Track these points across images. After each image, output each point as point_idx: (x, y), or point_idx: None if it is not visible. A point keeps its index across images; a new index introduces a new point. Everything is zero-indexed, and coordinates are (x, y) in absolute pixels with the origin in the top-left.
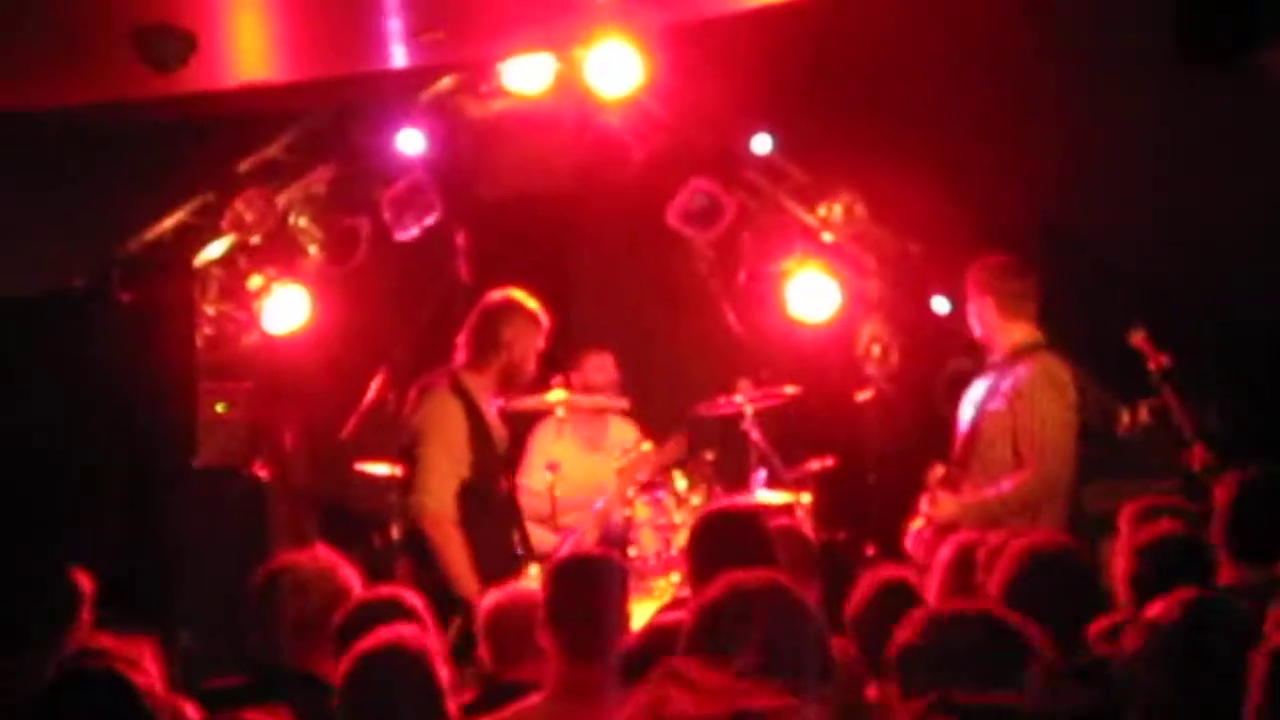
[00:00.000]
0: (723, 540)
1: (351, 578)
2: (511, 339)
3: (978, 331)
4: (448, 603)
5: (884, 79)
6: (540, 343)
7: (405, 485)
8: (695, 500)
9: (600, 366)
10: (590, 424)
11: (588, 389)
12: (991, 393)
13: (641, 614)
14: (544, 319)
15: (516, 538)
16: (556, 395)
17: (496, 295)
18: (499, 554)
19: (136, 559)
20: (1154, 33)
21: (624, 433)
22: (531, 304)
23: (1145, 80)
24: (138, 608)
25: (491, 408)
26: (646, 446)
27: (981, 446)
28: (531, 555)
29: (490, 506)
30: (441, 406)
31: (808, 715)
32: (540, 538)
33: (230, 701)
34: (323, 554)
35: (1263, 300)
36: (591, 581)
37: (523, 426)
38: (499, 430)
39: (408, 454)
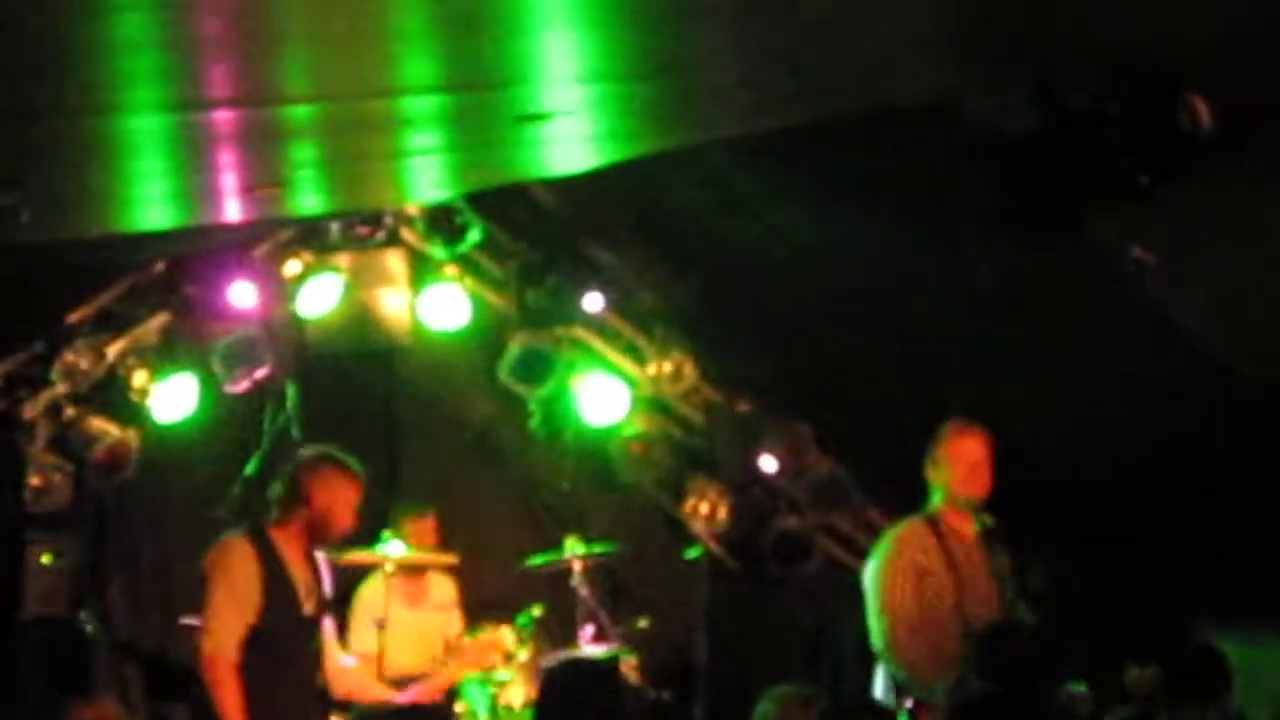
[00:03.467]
0: (577, 693)
1: None
2: (316, 493)
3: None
4: None
5: (708, 242)
6: (352, 498)
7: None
8: (522, 655)
9: (421, 531)
10: (414, 580)
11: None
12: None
13: None
14: (355, 475)
15: (312, 690)
16: (383, 549)
17: (308, 450)
18: (294, 704)
19: None
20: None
21: (444, 590)
22: (343, 460)
23: (970, 241)
24: None
25: (310, 561)
26: (478, 634)
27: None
28: (329, 707)
29: (286, 657)
30: (229, 553)
31: None
32: (372, 693)
33: None
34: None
35: (1091, 460)
36: None
37: (345, 582)
38: (308, 584)
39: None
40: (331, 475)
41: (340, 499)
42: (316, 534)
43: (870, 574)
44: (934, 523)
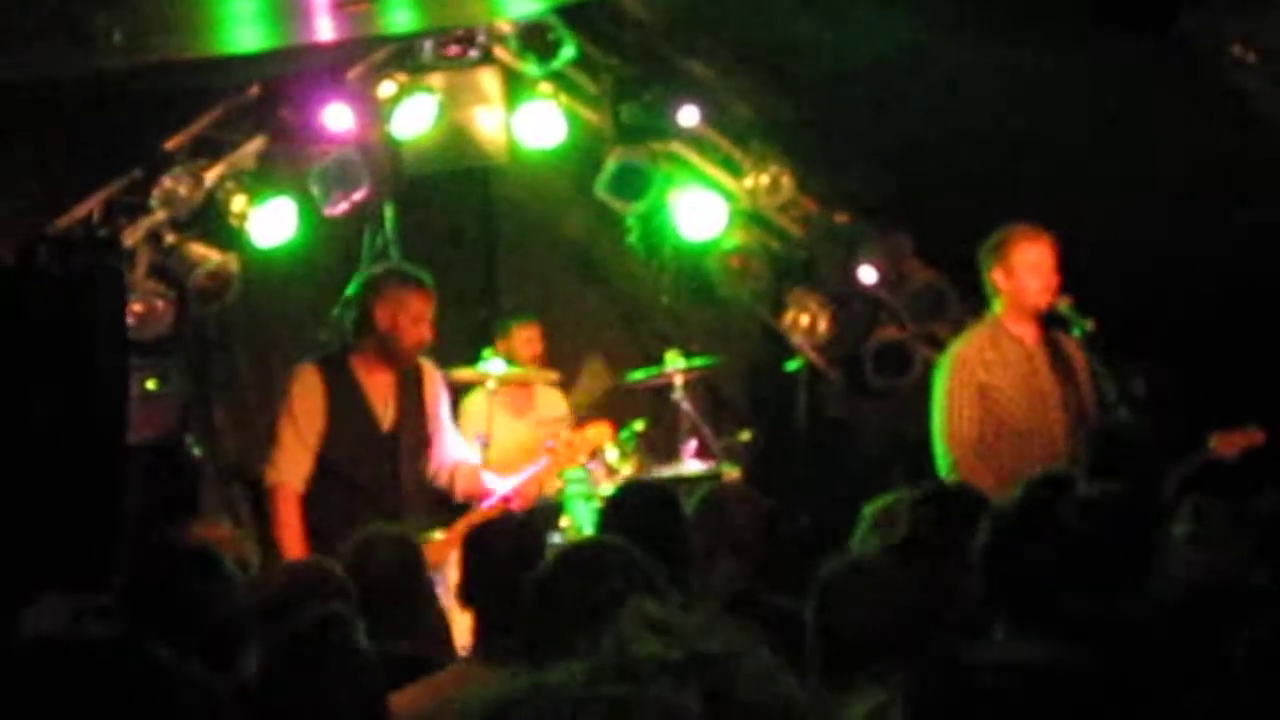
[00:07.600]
0: (635, 514)
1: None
2: (380, 311)
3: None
4: None
5: (805, 52)
6: (418, 310)
7: None
8: (625, 471)
9: (528, 339)
10: (517, 392)
11: (514, 360)
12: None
13: None
14: (419, 286)
15: (395, 505)
16: (484, 367)
17: (374, 269)
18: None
19: (74, 534)
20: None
21: (552, 403)
22: (406, 273)
23: (1064, 44)
24: (78, 583)
25: (401, 378)
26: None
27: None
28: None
29: (361, 478)
30: (295, 383)
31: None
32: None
33: None
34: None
35: (1186, 266)
36: (509, 550)
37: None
38: (388, 402)
39: None
40: (394, 291)
41: (405, 315)
42: (388, 352)
43: (934, 396)
44: (995, 333)
